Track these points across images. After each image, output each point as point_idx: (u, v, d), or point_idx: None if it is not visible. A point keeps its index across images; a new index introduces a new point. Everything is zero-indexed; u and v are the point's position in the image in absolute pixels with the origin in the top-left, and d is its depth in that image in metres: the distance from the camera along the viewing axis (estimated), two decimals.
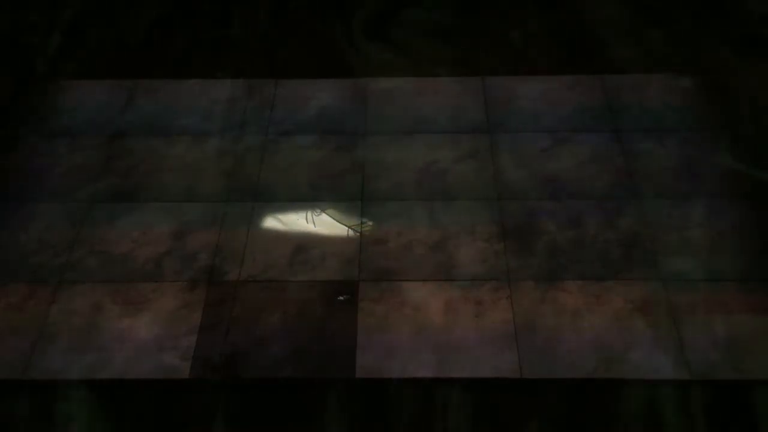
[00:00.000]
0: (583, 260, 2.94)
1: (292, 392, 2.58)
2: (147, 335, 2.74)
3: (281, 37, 4.10)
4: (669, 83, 3.70)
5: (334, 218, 2.62)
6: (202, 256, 3.00)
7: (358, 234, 2.69)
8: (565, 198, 3.18)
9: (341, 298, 2.85)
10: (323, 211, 2.67)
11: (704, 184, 3.20)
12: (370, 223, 2.64)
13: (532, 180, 3.26)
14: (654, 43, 3.94)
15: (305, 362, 2.66)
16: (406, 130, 3.52)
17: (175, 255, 3.01)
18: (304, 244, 3.04)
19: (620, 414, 2.50)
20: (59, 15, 4.25)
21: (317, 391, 2.58)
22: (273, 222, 3.14)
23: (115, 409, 2.54)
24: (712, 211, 3.10)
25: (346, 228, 3.06)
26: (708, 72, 3.74)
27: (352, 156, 3.40)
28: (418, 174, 3.31)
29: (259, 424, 2.50)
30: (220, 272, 2.95)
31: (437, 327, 2.74)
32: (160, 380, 2.61)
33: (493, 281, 2.88)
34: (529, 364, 2.62)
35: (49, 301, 2.85)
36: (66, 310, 2.82)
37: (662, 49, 3.90)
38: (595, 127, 3.49)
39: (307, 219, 2.64)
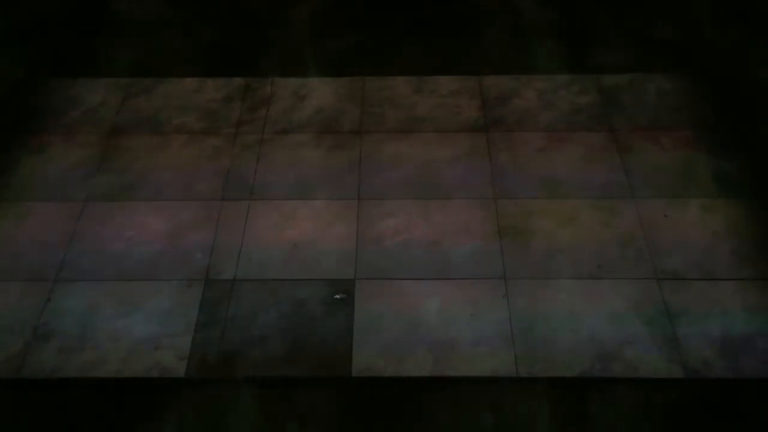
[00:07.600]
0: (579, 259, 2.94)
1: (288, 391, 2.58)
2: (142, 334, 2.73)
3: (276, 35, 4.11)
4: (664, 83, 3.71)
5: None
6: (198, 255, 2.99)
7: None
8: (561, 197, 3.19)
9: (337, 296, 2.85)
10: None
11: (699, 184, 3.22)
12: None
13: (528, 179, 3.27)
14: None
15: (301, 361, 2.66)
16: (402, 129, 3.52)
17: (171, 254, 3.00)
18: (300, 242, 3.04)
19: (616, 412, 2.50)
20: (53, 13, 4.24)
21: (313, 390, 2.57)
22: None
23: (111, 408, 2.54)
24: (706, 210, 3.11)
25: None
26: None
27: (348, 154, 3.40)
28: (414, 172, 3.31)
29: (254, 423, 2.50)
30: (216, 271, 2.94)
31: (433, 326, 2.74)
32: (156, 379, 2.61)
33: (489, 280, 2.88)
34: (525, 363, 2.63)
35: (44, 299, 2.84)
36: (61, 309, 2.82)
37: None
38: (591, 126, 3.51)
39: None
